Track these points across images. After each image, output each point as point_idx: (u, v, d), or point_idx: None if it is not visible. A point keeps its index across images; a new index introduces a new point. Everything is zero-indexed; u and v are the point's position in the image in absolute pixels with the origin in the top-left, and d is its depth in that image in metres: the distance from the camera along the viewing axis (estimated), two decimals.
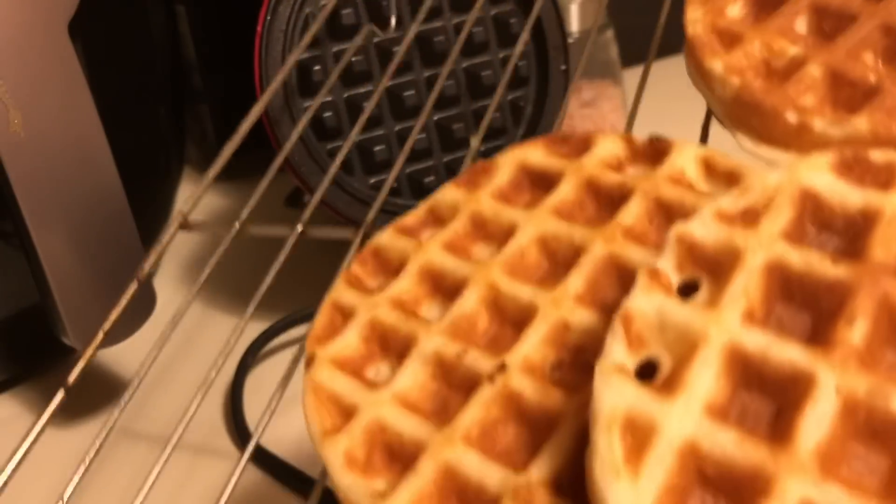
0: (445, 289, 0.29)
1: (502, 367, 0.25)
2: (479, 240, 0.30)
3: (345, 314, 0.29)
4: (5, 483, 0.30)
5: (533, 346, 0.25)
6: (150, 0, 0.54)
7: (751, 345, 0.21)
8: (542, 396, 0.24)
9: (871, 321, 0.21)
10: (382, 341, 0.27)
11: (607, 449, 0.20)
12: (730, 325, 0.21)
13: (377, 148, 0.50)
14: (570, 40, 0.53)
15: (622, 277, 0.27)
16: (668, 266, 0.23)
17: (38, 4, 0.40)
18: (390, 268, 0.30)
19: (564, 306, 0.26)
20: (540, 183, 0.31)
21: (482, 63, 0.51)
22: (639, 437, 0.20)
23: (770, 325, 0.22)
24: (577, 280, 0.26)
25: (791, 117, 0.29)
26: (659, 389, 0.21)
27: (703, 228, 0.23)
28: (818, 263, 0.22)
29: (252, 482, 0.44)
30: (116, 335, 0.44)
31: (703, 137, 0.34)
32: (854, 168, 0.24)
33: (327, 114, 0.48)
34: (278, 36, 0.47)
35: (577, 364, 0.25)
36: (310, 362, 0.27)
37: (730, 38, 0.32)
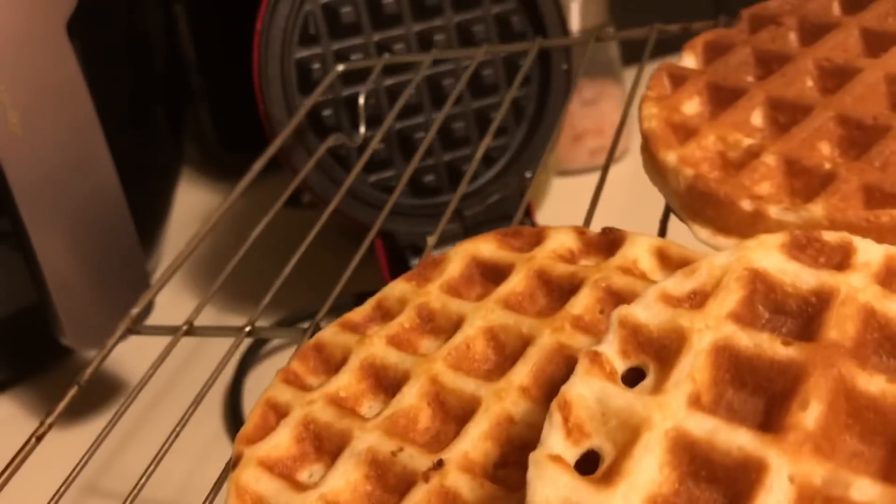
0: (388, 384, 0.27)
1: (439, 465, 0.23)
2: (426, 333, 0.28)
3: (279, 413, 0.27)
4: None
5: (473, 441, 0.23)
6: None
7: (697, 430, 0.19)
8: (480, 496, 0.22)
9: (825, 405, 0.19)
10: (317, 441, 0.26)
11: None
12: (674, 409, 0.20)
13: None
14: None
15: (571, 368, 0.25)
16: (611, 351, 0.22)
17: (36, 3, 0.40)
18: (332, 364, 0.28)
19: (508, 398, 0.24)
20: (491, 276, 0.30)
21: (484, 61, 0.50)
22: None
23: (719, 411, 0.20)
24: (522, 371, 0.25)
25: (746, 205, 0.28)
26: (597, 480, 0.19)
27: (647, 311, 0.22)
28: (768, 345, 0.20)
29: None
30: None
31: (661, 233, 0.33)
32: (806, 248, 0.23)
33: (326, 112, 0.47)
34: (277, 34, 0.46)
35: (522, 462, 0.23)
36: (235, 463, 0.25)
37: (685, 132, 0.32)
